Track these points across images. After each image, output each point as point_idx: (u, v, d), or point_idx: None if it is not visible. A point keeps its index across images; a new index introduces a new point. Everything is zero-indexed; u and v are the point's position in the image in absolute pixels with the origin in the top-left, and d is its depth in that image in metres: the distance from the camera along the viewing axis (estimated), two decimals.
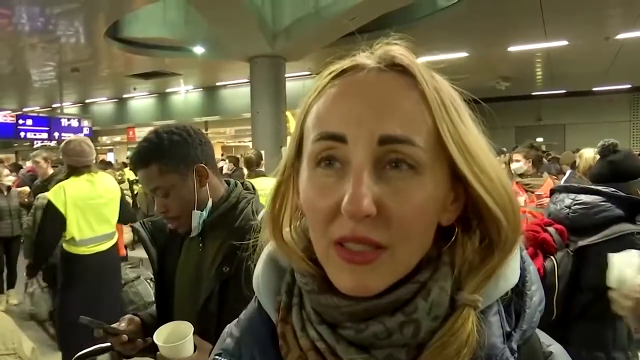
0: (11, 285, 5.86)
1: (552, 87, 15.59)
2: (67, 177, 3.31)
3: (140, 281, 4.48)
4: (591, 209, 1.84)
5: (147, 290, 4.38)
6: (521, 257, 0.50)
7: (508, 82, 13.56)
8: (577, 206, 1.87)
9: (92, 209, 3.32)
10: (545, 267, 1.83)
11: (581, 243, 1.83)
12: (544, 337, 0.52)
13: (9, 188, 5.64)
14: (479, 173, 0.44)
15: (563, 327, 1.84)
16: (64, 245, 3.30)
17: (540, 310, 0.50)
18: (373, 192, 0.41)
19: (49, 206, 3.18)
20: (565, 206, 1.91)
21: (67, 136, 13.98)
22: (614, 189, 1.86)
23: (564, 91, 16.17)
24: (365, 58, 0.47)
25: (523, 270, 0.50)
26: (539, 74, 14.24)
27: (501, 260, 0.46)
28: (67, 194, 3.20)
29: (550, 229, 1.89)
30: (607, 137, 2.12)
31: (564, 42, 10.05)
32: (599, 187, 1.89)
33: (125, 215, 3.69)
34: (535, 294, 0.50)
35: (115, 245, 3.58)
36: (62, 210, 3.18)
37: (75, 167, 3.28)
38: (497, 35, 9.77)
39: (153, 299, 1.61)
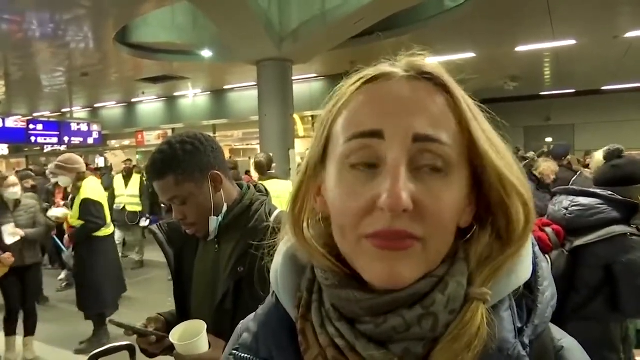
0: (30, 331, 4.22)
1: (560, 86, 15.47)
2: (81, 180, 4.24)
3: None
4: (587, 211, 1.91)
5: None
6: (534, 252, 0.51)
7: (516, 82, 13.47)
8: (574, 208, 1.95)
9: (105, 201, 4.54)
10: None
11: (577, 243, 1.89)
12: (556, 332, 0.53)
13: (17, 203, 4.18)
14: (509, 168, 0.48)
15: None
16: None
17: (553, 306, 0.51)
18: (409, 189, 0.44)
19: (88, 201, 4.24)
20: (563, 207, 1.98)
21: (77, 140, 14.18)
22: (611, 192, 1.92)
23: (573, 90, 16.03)
24: (391, 67, 0.50)
25: (535, 265, 0.51)
26: (547, 74, 14.13)
27: (513, 253, 0.48)
28: (95, 190, 4.38)
29: (548, 229, 1.96)
30: (617, 136, 2.16)
31: (572, 41, 9.97)
32: (597, 190, 1.96)
33: None
34: (547, 289, 0.51)
35: None
36: (98, 200, 4.35)
37: (83, 172, 4.29)
38: (504, 35, 9.71)
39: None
